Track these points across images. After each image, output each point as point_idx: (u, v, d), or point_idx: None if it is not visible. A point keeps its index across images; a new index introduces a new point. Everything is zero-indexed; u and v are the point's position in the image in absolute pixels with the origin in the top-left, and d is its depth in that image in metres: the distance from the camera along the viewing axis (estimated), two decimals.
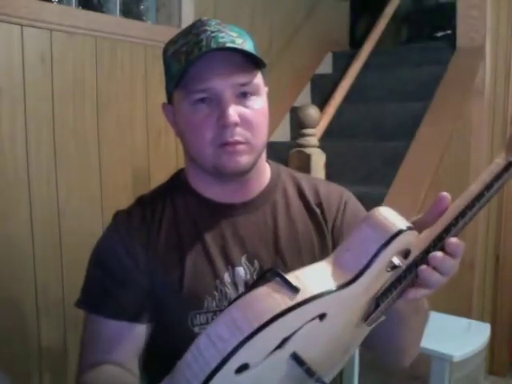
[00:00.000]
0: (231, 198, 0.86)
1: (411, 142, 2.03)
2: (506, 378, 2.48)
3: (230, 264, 0.83)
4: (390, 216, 0.60)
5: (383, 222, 0.59)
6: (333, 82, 2.55)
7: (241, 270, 0.83)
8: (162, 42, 0.87)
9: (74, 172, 1.73)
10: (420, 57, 2.75)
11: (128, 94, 1.89)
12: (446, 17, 3.06)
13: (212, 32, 0.78)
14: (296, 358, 0.55)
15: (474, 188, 0.62)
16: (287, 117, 2.78)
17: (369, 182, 2.25)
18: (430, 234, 0.61)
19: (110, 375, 0.77)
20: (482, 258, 2.38)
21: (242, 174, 0.82)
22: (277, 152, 1.69)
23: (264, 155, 0.88)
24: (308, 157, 1.75)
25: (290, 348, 0.54)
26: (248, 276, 0.82)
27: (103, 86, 1.81)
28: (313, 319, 0.54)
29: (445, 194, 0.63)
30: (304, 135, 1.78)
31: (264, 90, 0.84)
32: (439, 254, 0.60)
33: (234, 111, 0.76)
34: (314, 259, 0.66)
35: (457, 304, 2.13)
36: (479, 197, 0.62)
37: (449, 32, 3.12)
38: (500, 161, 0.63)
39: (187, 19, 2.07)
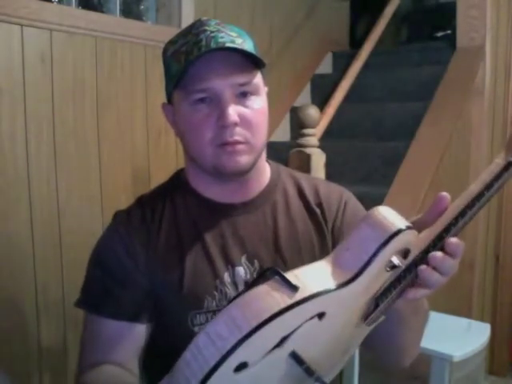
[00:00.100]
0: (231, 197, 0.86)
1: (411, 141, 2.03)
2: (506, 378, 2.48)
3: (230, 264, 0.83)
4: (389, 215, 0.60)
5: (382, 221, 0.59)
6: (333, 82, 2.55)
7: (241, 270, 0.83)
8: (162, 42, 0.87)
9: (74, 172, 1.73)
10: (420, 57, 2.75)
11: (128, 93, 1.89)
12: (446, 17, 3.06)
13: (212, 32, 0.78)
14: (295, 356, 0.55)
15: (474, 188, 0.62)
16: (287, 117, 2.78)
17: (369, 182, 2.25)
18: (429, 233, 0.61)
19: (110, 375, 0.77)
20: (481, 258, 2.38)
21: (242, 174, 0.82)
22: (277, 152, 1.70)
23: (264, 155, 0.87)
24: (308, 157, 1.75)
25: (289, 347, 0.54)
26: (248, 276, 0.82)
27: (103, 86, 1.81)
28: (312, 318, 0.54)
29: (444, 193, 0.63)
30: (304, 135, 1.78)
31: (264, 89, 0.84)
32: (439, 253, 0.60)
33: (233, 111, 0.76)
34: (313, 259, 0.65)
35: (457, 304, 2.13)
36: (479, 196, 0.62)
37: (449, 32, 3.11)
38: (500, 161, 0.63)
39: (187, 19, 2.07)
